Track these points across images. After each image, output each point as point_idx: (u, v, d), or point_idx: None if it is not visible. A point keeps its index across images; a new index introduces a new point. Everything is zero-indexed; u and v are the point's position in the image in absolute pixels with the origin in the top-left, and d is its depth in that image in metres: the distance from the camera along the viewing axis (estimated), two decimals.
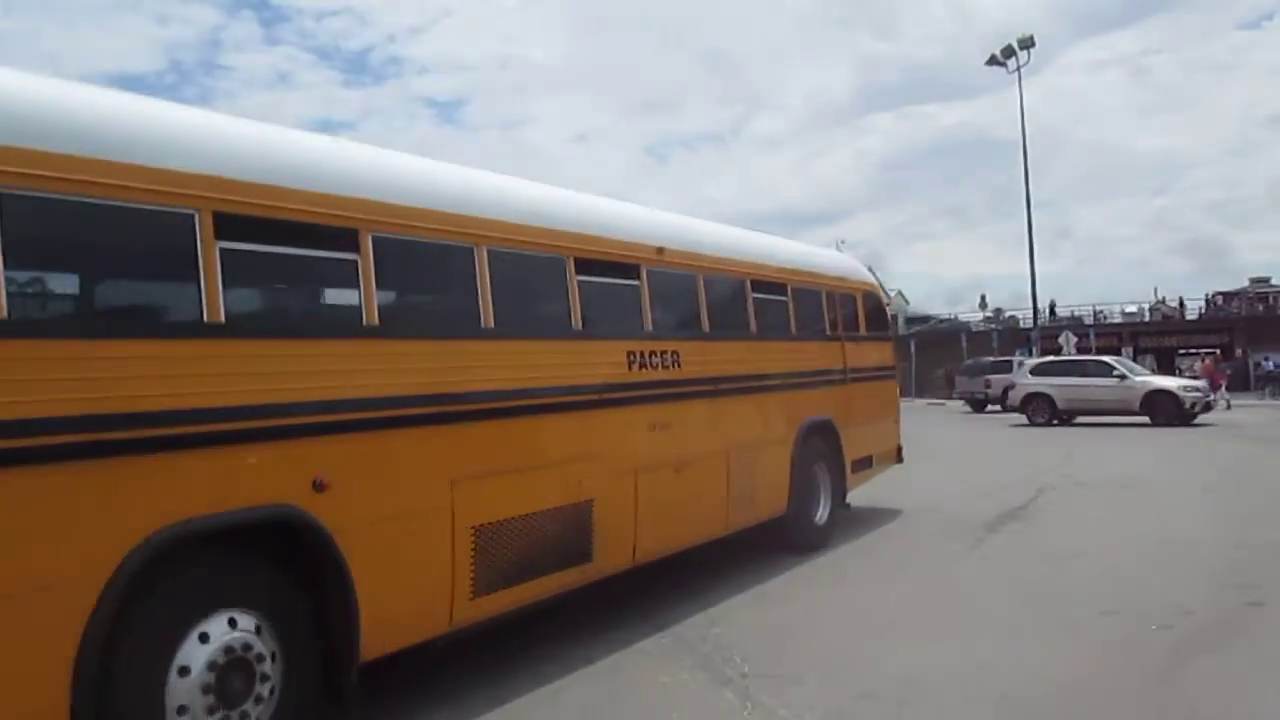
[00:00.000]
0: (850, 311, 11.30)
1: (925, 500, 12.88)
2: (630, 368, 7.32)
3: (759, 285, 9.19)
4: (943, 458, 18.55)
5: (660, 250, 7.76)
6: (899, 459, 12.33)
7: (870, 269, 13.02)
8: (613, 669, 6.38)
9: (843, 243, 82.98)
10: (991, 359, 42.13)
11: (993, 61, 47.15)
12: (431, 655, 5.74)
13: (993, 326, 60.45)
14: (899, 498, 12.68)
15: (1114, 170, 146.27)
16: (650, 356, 7.53)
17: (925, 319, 71.20)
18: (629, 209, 8.34)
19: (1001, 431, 27.19)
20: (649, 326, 7.63)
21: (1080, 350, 41.82)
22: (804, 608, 7.87)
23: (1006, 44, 46.86)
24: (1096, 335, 53.57)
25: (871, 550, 10.21)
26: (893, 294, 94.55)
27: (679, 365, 7.82)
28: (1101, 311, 64.17)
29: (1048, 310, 58.70)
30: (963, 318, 68.53)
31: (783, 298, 9.72)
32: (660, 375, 7.64)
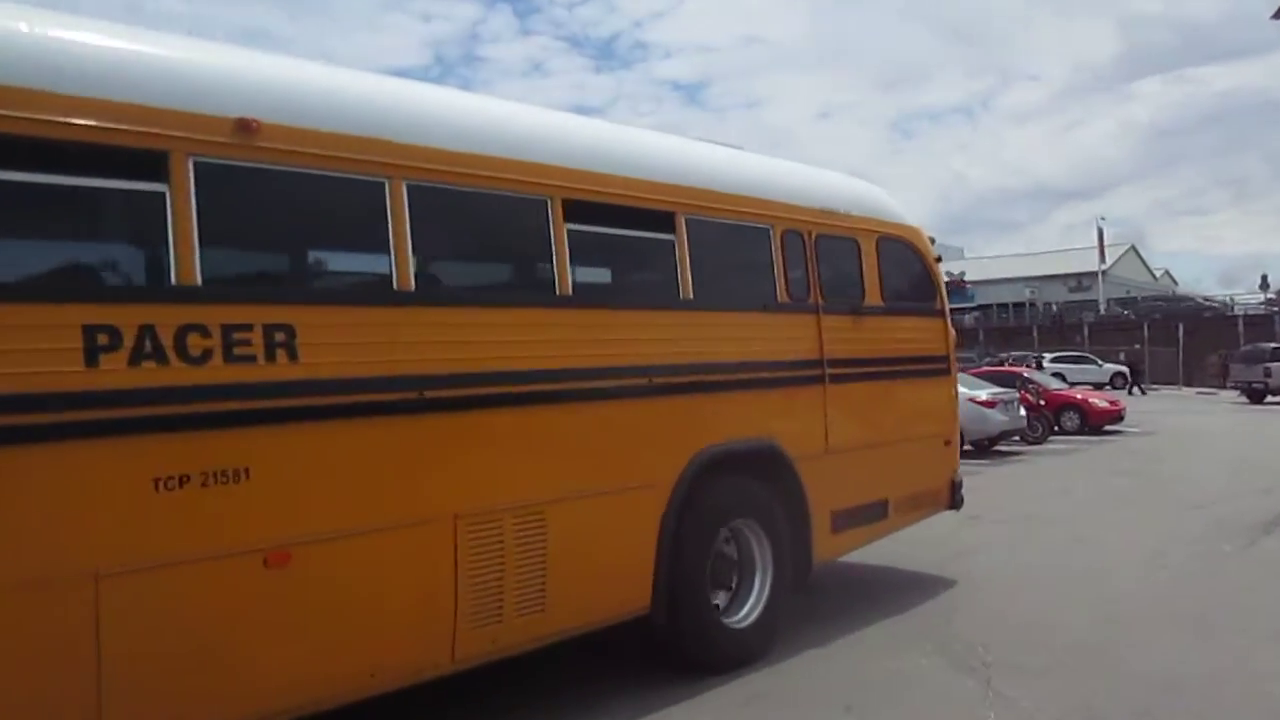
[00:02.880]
0: (847, 266, 7.07)
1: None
2: None
3: (578, 208, 5.21)
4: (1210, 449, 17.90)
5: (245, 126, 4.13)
6: (952, 502, 7.84)
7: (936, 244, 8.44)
8: None
9: (1103, 220, 74.05)
10: (1273, 345, 37.02)
11: None
12: None
13: (1275, 310, 51.64)
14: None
15: None
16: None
17: (1180, 300, 62.32)
18: None
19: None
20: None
21: None
22: None
23: None
24: None
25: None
26: (1158, 274, 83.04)
27: (295, 360, 4.20)
28: None
29: None
30: (1239, 300, 59.20)
31: (644, 233, 5.69)
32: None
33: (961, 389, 18.51)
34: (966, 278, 78.03)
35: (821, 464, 6.58)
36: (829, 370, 6.65)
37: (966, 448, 17.82)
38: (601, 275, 6.04)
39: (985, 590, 7.87)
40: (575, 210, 5.22)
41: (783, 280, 6.41)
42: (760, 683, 5.77)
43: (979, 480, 14.47)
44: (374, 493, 4.36)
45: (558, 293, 5.13)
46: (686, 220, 5.81)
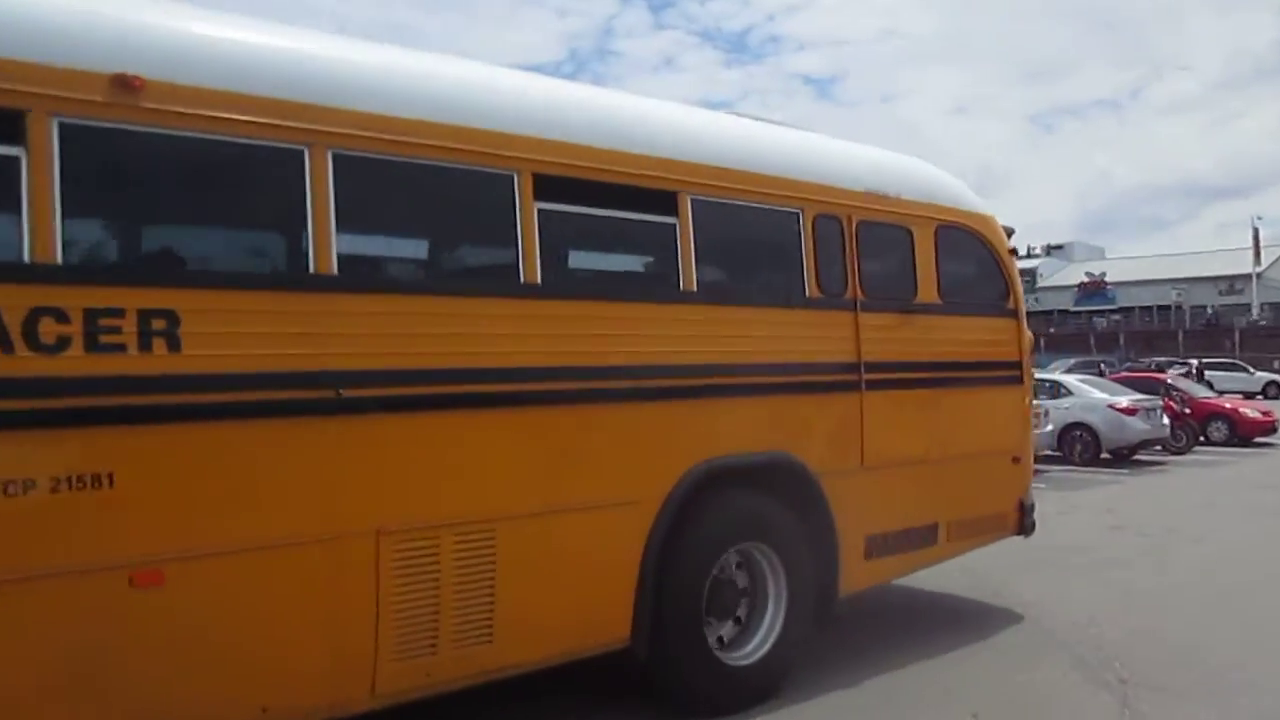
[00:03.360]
0: (896, 258, 6.27)
1: None
2: None
3: (550, 185, 4.58)
4: None
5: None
6: (1021, 527, 6.91)
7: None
8: None
9: (1259, 219, 69.43)
10: None
11: None
12: None
13: None
14: None
15: None
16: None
17: None
18: None
19: None
20: None
21: None
22: None
23: None
24: None
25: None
26: None
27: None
28: None
29: None
30: None
31: (638, 215, 5.01)
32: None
33: (1100, 394, 17.79)
34: (1107, 278, 74.42)
35: (855, 482, 5.79)
36: (867, 375, 5.84)
37: (1104, 455, 16.76)
38: (583, 262, 5.38)
39: (1125, 604, 7.42)
40: (549, 187, 4.57)
41: (812, 272, 5.63)
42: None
43: (1117, 490, 14.09)
44: (272, 504, 3.82)
45: (522, 281, 4.50)
46: (692, 201, 5.10)
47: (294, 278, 4.00)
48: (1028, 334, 7.10)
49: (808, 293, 5.62)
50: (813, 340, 5.63)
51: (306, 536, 3.88)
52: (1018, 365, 6.94)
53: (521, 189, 4.49)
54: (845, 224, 5.82)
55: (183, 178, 3.86)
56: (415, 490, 4.17)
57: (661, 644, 4.93)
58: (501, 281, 4.54)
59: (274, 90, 3.89)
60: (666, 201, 5.01)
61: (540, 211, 4.54)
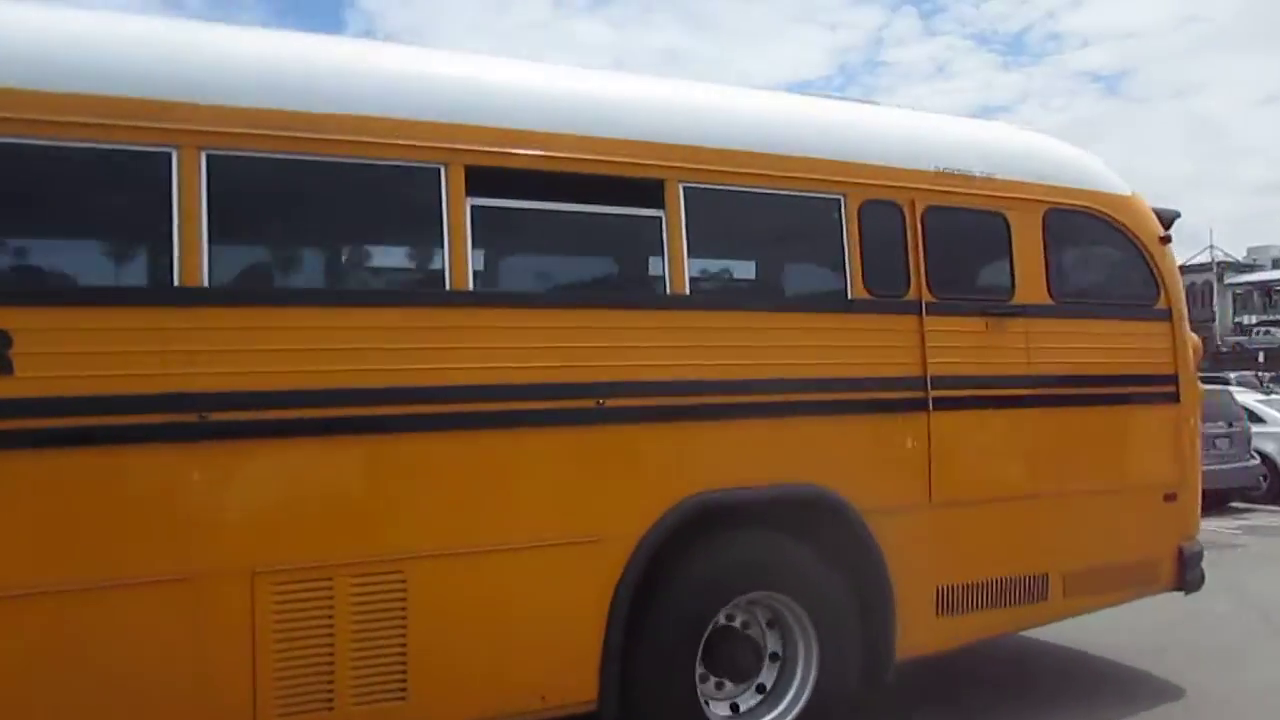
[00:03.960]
0: (984, 249, 5.26)
1: None
2: None
3: (491, 177, 4.01)
4: None
5: None
6: (1182, 581, 5.55)
7: None
8: None
9: None
10: None
11: None
12: None
13: None
14: None
15: None
16: None
17: None
18: None
19: None
20: None
21: None
22: None
23: None
24: None
25: None
26: None
27: None
28: None
29: None
30: None
31: (612, 208, 4.33)
32: None
33: None
34: None
35: (919, 521, 4.78)
36: (936, 392, 4.81)
37: None
38: (536, 266, 4.71)
39: None
40: (486, 179, 3.97)
41: (857, 269, 4.69)
42: None
43: None
44: (123, 539, 3.43)
45: (450, 288, 3.92)
46: (684, 190, 4.33)
47: (156, 292, 3.61)
48: (1190, 340, 5.73)
49: (850, 294, 4.68)
50: (855, 351, 4.68)
51: (163, 575, 3.47)
52: (1173, 379, 5.59)
53: (450, 183, 3.91)
54: (907, 211, 4.83)
55: (28, 186, 3.56)
56: (301, 526, 3.68)
57: (637, 708, 4.18)
58: (424, 290, 3.98)
59: (139, 90, 3.53)
60: (650, 191, 4.28)
61: (474, 209, 3.95)
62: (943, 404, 4.83)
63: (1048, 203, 5.25)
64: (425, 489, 3.86)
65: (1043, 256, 5.20)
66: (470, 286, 3.95)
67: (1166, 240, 5.68)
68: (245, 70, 3.78)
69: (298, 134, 3.72)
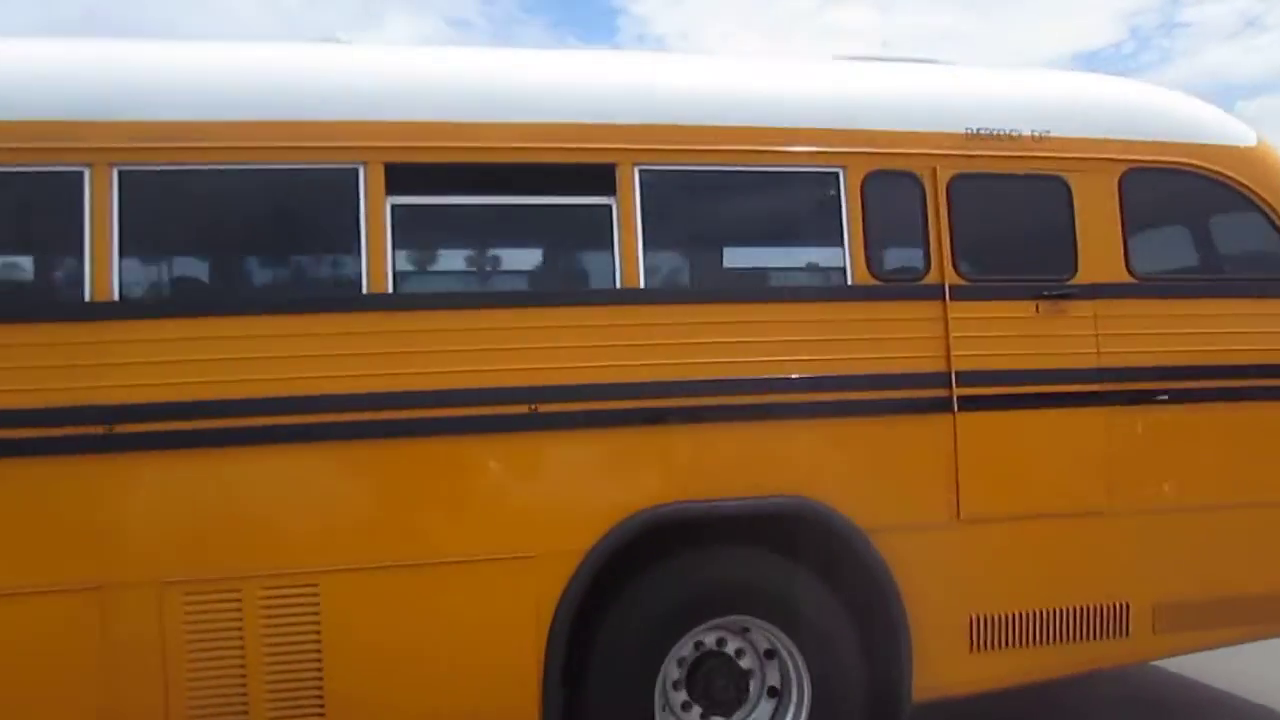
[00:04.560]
0: (1036, 219, 4.49)
1: None
2: None
3: (412, 174, 3.86)
4: None
5: None
6: None
7: None
8: None
9: None
10: None
11: None
12: None
13: None
14: None
15: None
16: None
17: None
18: None
19: None
20: None
21: None
22: None
23: None
24: None
25: None
26: None
27: None
28: None
29: None
30: None
31: (554, 198, 4.05)
32: None
33: None
34: None
35: (945, 540, 4.14)
36: (963, 390, 4.14)
37: None
38: (471, 263, 4.43)
39: None
40: (407, 177, 3.80)
41: (859, 250, 4.11)
42: None
43: None
44: (33, 548, 3.52)
45: (366, 291, 3.76)
46: (640, 174, 3.96)
47: (65, 307, 3.69)
48: None
49: (851, 280, 4.10)
50: (856, 345, 4.09)
51: (69, 584, 3.52)
52: None
53: (369, 183, 3.76)
54: (927, 181, 4.19)
55: None
56: (211, 538, 3.64)
57: None
58: (340, 295, 3.84)
59: (51, 111, 3.63)
60: (599, 177, 3.93)
61: (395, 207, 3.77)
62: (973, 404, 4.15)
63: (1127, 161, 4.40)
64: (340, 500, 3.73)
65: (1119, 225, 4.36)
66: (390, 289, 3.77)
67: None
68: (158, 84, 3.79)
69: (212, 144, 3.68)
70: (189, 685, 3.58)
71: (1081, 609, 4.27)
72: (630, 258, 3.91)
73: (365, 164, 3.76)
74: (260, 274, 4.38)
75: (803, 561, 4.05)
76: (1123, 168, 4.38)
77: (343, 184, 3.76)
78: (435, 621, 3.75)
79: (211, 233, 4.03)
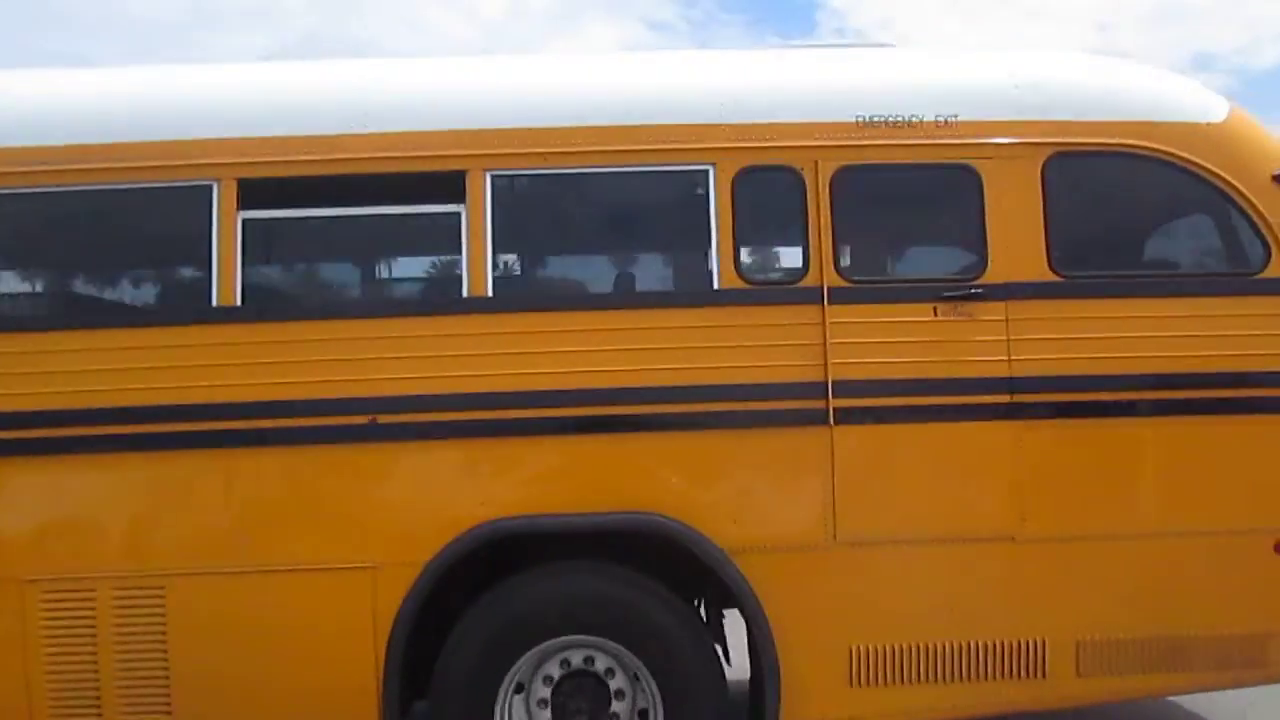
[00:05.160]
0: (939, 215, 4.25)
1: None
2: None
3: (265, 189, 3.96)
4: None
5: None
6: None
7: None
8: None
9: None
10: None
11: None
12: None
13: None
14: None
15: None
16: None
17: None
18: None
19: None
20: None
21: None
22: None
23: None
24: None
25: None
26: None
27: None
28: None
29: None
30: None
31: (407, 207, 4.04)
32: None
33: None
34: None
35: (820, 564, 3.85)
36: (840, 401, 3.82)
37: None
38: (325, 276, 4.41)
39: None
40: (259, 191, 3.87)
41: (728, 252, 3.86)
42: None
43: None
44: None
45: (215, 304, 3.86)
46: (492, 180, 3.87)
47: None
48: None
49: (717, 284, 3.86)
50: (720, 353, 3.84)
51: None
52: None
53: (222, 199, 3.85)
54: (808, 175, 3.89)
55: None
56: (68, 539, 3.83)
57: None
58: (189, 308, 3.95)
59: None
60: (448, 185, 3.87)
61: (246, 222, 3.86)
62: (853, 416, 3.82)
63: (1053, 145, 3.94)
64: (188, 506, 3.83)
65: (1041, 217, 3.91)
66: (238, 302, 3.84)
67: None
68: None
69: (73, 166, 3.86)
70: (48, 680, 3.76)
71: (986, 645, 3.86)
72: (478, 266, 3.83)
73: (219, 180, 3.84)
74: (115, 287, 4.55)
75: (668, 582, 3.86)
76: (1047, 152, 3.93)
77: (196, 200, 3.85)
78: (277, 628, 3.80)
79: (62, 248, 4.22)
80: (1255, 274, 3.96)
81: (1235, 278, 3.99)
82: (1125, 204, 4.16)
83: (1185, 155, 3.94)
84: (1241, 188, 3.94)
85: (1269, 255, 3.95)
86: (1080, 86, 4.08)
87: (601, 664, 3.93)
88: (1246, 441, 3.94)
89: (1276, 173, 3.97)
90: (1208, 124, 4.01)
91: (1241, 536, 3.91)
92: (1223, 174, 3.94)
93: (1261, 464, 3.94)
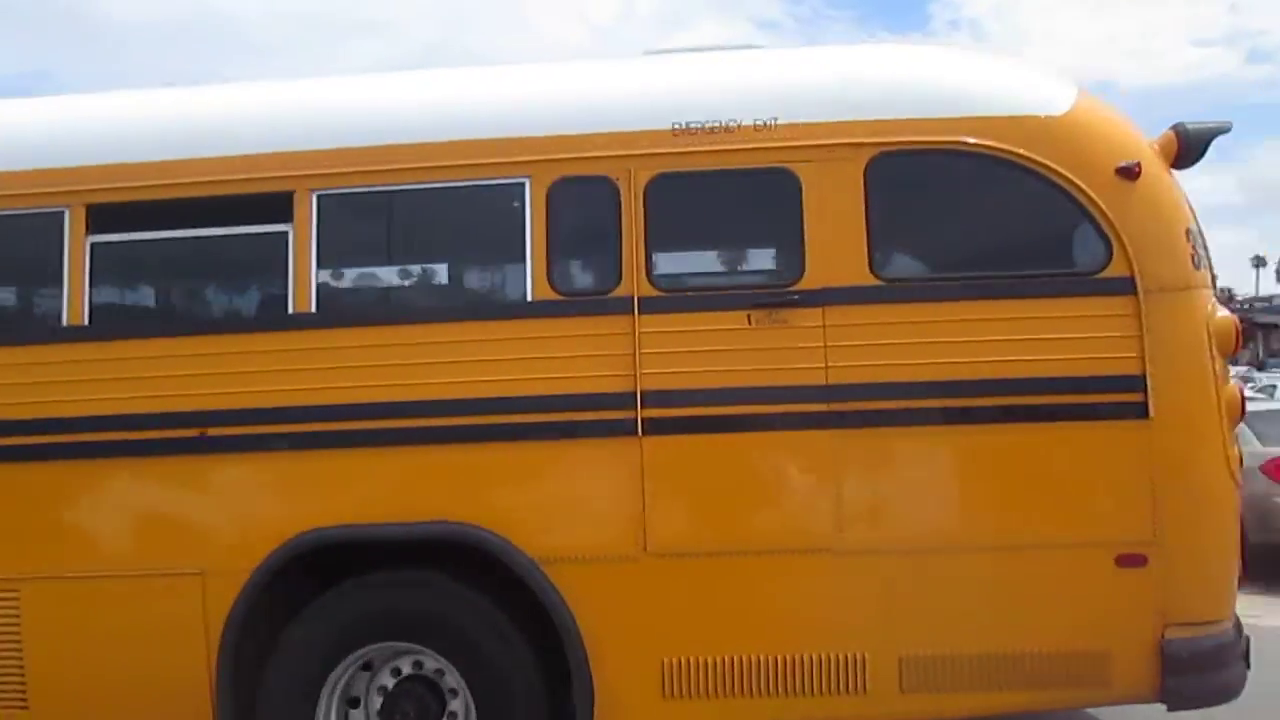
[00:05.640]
0: (756, 220, 4.17)
1: None
2: None
3: (109, 214, 4.18)
4: None
5: None
6: (1161, 689, 3.68)
7: None
8: None
9: None
10: None
11: None
12: None
13: None
14: None
15: None
16: None
17: None
18: None
19: None
20: None
21: None
22: None
23: None
24: None
25: None
26: None
27: None
28: None
29: None
30: None
31: (241, 228, 4.18)
32: None
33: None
34: None
35: (631, 575, 3.84)
36: (650, 411, 3.80)
37: None
38: (156, 295, 4.54)
39: None
40: (107, 216, 4.09)
41: (541, 264, 3.88)
42: None
43: None
44: None
45: (66, 324, 4.09)
46: (319, 199, 3.99)
47: None
48: (1198, 323, 3.75)
49: (531, 296, 3.89)
50: (533, 364, 3.85)
51: None
52: (1136, 383, 3.70)
53: (72, 224, 4.08)
54: (623, 185, 3.88)
55: None
56: None
57: None
58: (36, 328, 4.19)
59: None
60: (276, 205, 4.01)
61: (94, 245, 4.08)
62: (662, 426, 3.80)
63: (875, 145, 3.82)
64: (36, 515, 4.06)
65: (862, 220, 3.80)
66: (86, 322, 4.06)
67: (1133, 174, 3.77)
68: None
69: None
70: None
71: (804, 659, 3.77)
72: (303, 283, 3.95)
73: (69, 206, 4.06)
74: None
75: (486, 592, 3.91)
76: (869, 153, 3.81)
77: (49, 226, 4.09)
78: (119, 629, 4.00)
79: None
80: (1094, 274, 3.76)
81: (1072, 278, 3.79)
82: (957, 204, 3.99)
83: (1019, 151, 3.77)
84: (1080, 183, 3.74)
85: (1110, 253, 3.74)
86: (908, 84, 3.95)
87: (431, 665, 3.99)
88: (1086, 450, 3.76)
89: (1121, 165, 3.75)
90: (1046, 117, 3.82)
91: (1079, 550, 3.73)
92: (1060, 169, 3.75)
93: (1101, 474, 3.75)
